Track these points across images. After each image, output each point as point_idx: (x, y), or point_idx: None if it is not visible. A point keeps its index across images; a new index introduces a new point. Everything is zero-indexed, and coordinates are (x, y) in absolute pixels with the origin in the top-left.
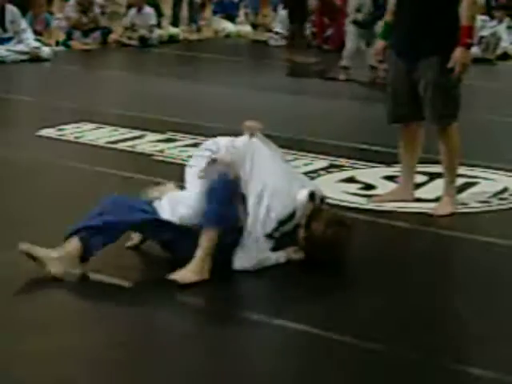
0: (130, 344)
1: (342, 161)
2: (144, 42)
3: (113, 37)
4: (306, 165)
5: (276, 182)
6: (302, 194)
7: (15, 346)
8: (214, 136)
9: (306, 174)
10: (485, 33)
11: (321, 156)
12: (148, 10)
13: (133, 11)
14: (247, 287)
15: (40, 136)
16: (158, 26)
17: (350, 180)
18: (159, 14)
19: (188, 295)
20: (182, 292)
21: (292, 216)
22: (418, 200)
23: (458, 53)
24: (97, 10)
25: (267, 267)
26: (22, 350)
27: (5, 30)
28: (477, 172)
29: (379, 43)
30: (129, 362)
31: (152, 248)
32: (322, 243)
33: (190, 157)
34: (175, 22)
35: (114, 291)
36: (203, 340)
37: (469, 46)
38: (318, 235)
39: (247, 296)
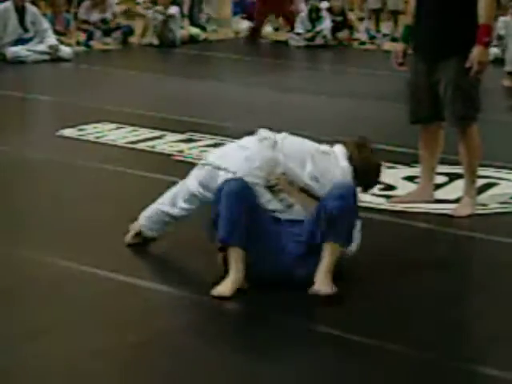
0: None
1: None
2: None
3: (134, 38)
4: None
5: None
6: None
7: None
8: (234, 136)
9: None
10: (503, 32)
11: None
12: (174, 9)
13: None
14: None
15: (60, 136)
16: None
17: None
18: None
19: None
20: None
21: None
22: (438, 201)
23: (475, 51)
24: (115, 9)
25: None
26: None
27: (26, 30)
28: (497, 173)
29: (399, 46)
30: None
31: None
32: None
33: None
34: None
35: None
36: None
37: (487, 45)
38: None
39: (276, 299)
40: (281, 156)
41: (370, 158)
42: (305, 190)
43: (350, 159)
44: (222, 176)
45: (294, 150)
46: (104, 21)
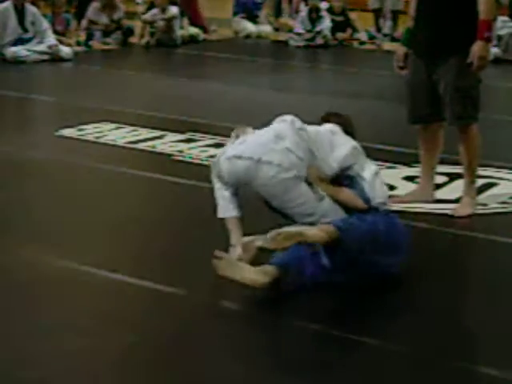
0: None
1: None
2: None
3: (134, 38)
4: None
5: None
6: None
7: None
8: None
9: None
10: (503, 32)
11: None
12: (174, 10)
13: (154, 11)
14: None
15: (60, 136)
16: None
17: None
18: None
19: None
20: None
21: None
22: (438, 201)
23: (476, 46)
24: (121, 14)
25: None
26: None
27: (25, 30)
28: (497, 173)
29: (400, 49)
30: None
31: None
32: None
33: (211, 157)
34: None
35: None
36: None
37: (487, 40)
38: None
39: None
40: (314, 147)
41: (346, 117)
42: (333, 181)
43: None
44: (265, 169)
45: (318, 140)
46: (113, 22)
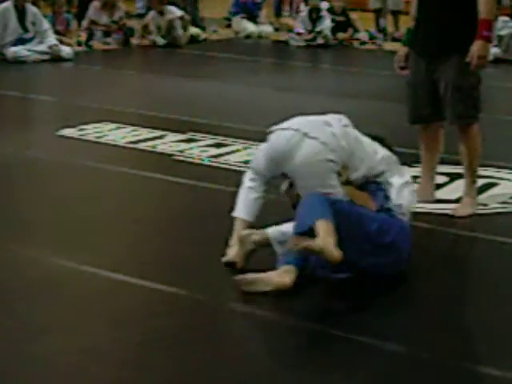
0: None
1: None
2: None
3: (135, 38)
4: None
5: None
6: None
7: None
8: (235, 136)
9: None
10: (503, 32)
11: None
12: (172, 10)
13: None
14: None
15: (61, 136)
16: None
17: None
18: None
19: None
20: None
21: None
22: (439, 201)
23: (475, 46)
24: (122, 13)
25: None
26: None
27: (26, 30)
28: (497, 173)
29: (401, 50)
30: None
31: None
32: None
33: (213, 156)
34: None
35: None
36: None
37: (487, 39)
38: None
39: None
40: (355, 145)
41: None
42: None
43: None
44: (310, 143)
45: (359, 140)
46: (114, 22)
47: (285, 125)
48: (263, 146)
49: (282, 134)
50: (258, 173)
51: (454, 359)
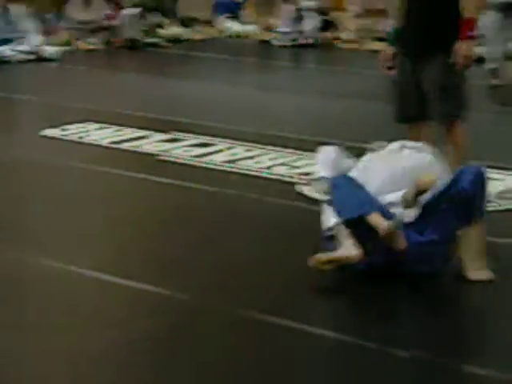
0: None
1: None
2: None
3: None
4: (310, 164)
5: None
6: None
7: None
8: (219, 136)
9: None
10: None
11: (311, 154)
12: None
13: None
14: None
15: (44, 136)
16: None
17: None
18: (164, 14)
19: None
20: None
21: None
22: None
23: (459, 45)
24: (102, 10)
25: None
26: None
27: (10, 31)
28: None
29: (388, 49)
30: None
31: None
32: None
33: (197, 156)
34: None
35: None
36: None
37: (471, 39)
38: None
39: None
40: None
41: None
42: None
43: None
44: None
45: None
46: (96, 21)
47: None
48: None
49: None
50: None
51: (453, 361)
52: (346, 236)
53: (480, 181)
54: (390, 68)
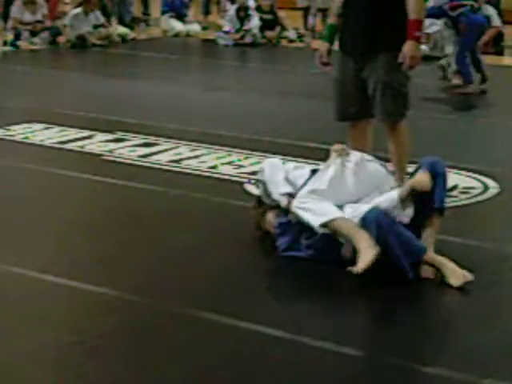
0: None
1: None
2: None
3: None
4: (255, 163)
5: None
6: None
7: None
8: (164, 136)
9: (256, 173)
10: (431, 30)
11: (268, 155)
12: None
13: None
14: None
15: None
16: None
17: None
18: (107, 14)
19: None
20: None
21: None
22: None
23: (407, 46)
24: (45, 11)
25: None
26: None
27: None
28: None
29: (323, 45)
30: None
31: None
32: None
33: (142, 156)
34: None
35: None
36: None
37: (417, 39)
38: None
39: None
40: None
41: None
42: None
43: None
44: None
45: None
46: (39, 21)
47: None
48: None
49: None
50: None
51: (392, 358)
52: (360, 240)
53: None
54: (325, 64)
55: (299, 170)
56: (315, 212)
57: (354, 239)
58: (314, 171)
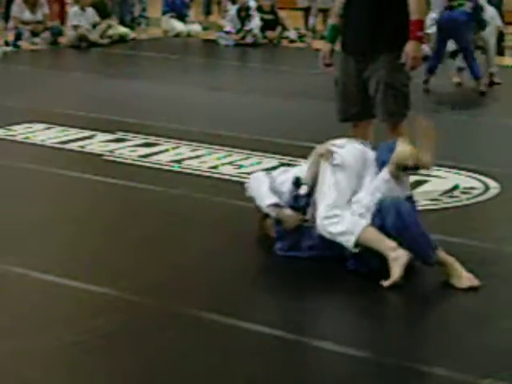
0: None
1: (295, 159)
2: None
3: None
4: (255, 164)
5: None
6: None
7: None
8: (165, 136)
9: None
10: (431, 30)
11: (268, 155)
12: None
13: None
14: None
15: None
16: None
17: None
18: (107, 15)
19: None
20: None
21: None
22: None
23: (409, 46)
24: (46, 10)
25: None
26: None
27: None
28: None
29: (326, 46)
30: None
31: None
32: None
33: (143, 156)
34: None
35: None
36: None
37: (419, 40)
38: None
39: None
40: None
41: None
42: None
43: None
44: None
45: None
46: (40, 22)
47: None
48: None
49: None
50: None
51: (388, 357)
52: (387, 249)
53: None
54: (328, 65)
55: (285, 174)
56: (344, 232)
57: (381, 249)
58: (297, 179)
